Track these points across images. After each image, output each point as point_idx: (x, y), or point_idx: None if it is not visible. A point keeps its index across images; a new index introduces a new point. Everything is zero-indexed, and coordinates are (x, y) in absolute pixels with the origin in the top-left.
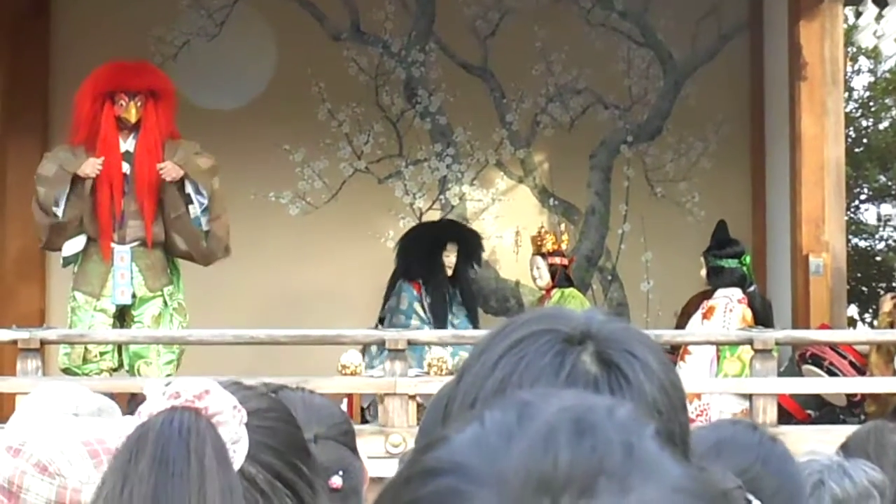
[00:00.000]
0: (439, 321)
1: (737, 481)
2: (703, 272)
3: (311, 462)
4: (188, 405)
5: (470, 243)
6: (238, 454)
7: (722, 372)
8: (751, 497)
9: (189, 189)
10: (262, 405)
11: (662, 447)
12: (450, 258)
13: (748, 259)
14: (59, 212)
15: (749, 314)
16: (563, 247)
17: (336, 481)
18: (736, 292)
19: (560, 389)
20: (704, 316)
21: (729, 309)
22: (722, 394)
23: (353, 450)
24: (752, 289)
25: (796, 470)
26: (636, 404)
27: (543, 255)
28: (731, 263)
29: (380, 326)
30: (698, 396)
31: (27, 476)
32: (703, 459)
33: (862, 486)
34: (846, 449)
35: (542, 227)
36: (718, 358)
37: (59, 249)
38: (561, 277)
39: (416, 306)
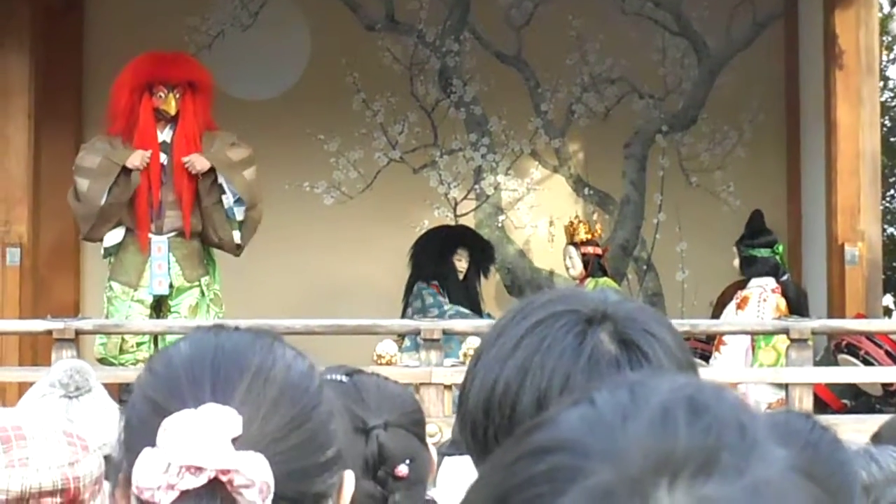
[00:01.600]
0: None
1: None
2: (736, 262)
3: (329, 473)
4: (211, 484)
5: (481, 251)
6: None
7: (757, 362)
8: None
9: (221, 180)
10: (293, 414)
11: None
12: (461, 262)
13: (781, 248)
14: (104, 202)
15: (783, 303)
16: (597, 236)
17: (402, 470)
18: (769, 281)
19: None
20: (738, 306)
21: (763, 298)
22: (757, 384)
23: (423, 440)
24: (785, 278)
25: (848, 458)
26: None
27: (576, 245)
28: (764, 253)
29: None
30: (734, 386)
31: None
32: None
33: (889, 472)
34: (878, 438)
35: (576, 216)
36: (754, 348)
37: (101, 240)
38: (594, 267)
39: (438, 300)
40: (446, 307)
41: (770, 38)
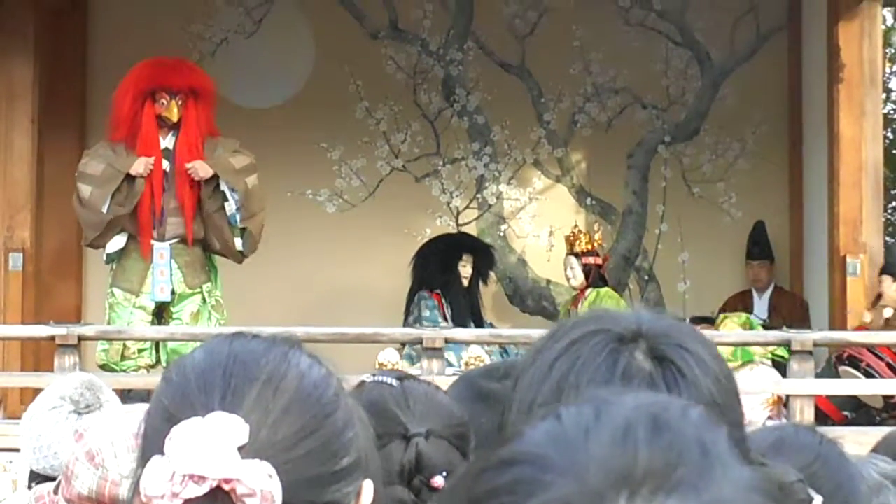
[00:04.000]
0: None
1: (798, 475)
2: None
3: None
4: (213, 493)
5: (484, 257)
6: None
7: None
8: (812, 492)
9: (224, 187)
10: (304, 422)
11: (733, 449)
12: (466, 269)
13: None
14: (106, 209)
15: None
16: (597, 247)
17: (438, 481)
18: None
19: (623, 389)
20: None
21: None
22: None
23: (465, 454)
24: None
25: (855, 471)
26: (693, 398)
27: (577, 255)
28: None
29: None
30: None
31: (78, 463)
32: (763, 456)
33: (872, 481)
34: (877, 451)
35: (576, 226)
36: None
37: (104, 247)
38: (595, 277)
39: (438, 315)
40: (443, 325)
41: (773, 50)
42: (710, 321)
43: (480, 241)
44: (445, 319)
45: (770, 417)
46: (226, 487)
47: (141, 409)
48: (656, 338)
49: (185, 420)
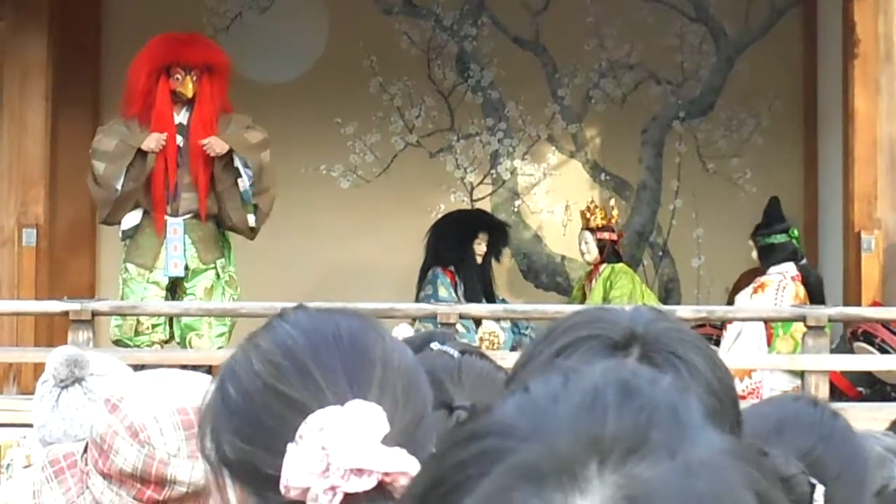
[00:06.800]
0: None
1: (800, 466)
2: (755, 254)
3: None
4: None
5: (500, 234)
6: None
7: (775, 350)
8: (814, 481)
9: (237, 163)
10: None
11: (704, 416)
12: (481, 246)
13: (796, 232)
14: (119, 185)
15: (802, 291)
16: (613, 222)
17: None
18: (790, 268)
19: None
20: (755, 290)
21: (782, 287)
22: (773, 371)
23: None
24: (803, 262)
25: (859, 447)
26: None
27: (592, 231)
28: (781, 239)
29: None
30: (749, 374)
31: (118, 438)
32: (764, 440)
33: (875, 454)
34: (893, 430)
35: (592, 201)
36: (770, 337)
37: (119, 223)
38: (609, 253)
39: (454, 295)
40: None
41: (788, 25)
42: (807, 279)
43: (496, 218)
44: (459, 299)
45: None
46: (386, 480)
47: (158, 379)
48: (650, 345)
49: (318, 408)
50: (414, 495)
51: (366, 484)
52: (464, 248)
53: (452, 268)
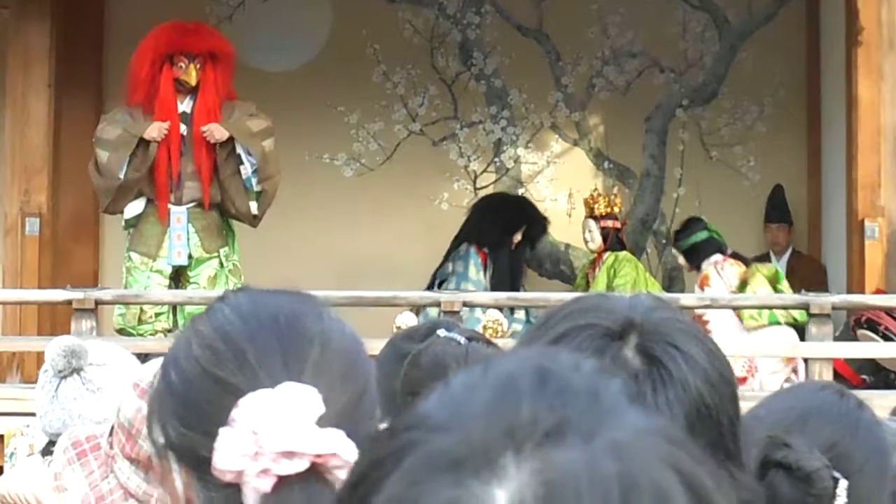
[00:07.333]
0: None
1: (823, 459)
2: (681, 260)
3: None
4: (310, 471)
5: (538, 227)
6: None
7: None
8: (838, 475)
9: (239, 150)
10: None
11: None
12: (517, 235)
13: (713, 226)
14: (122, 174)
15: (742, 266)
16: (616, 210)
17: None
18: (717, 257)
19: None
20: (701, 286)
21: (720, 268)
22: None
23: None
24: (730, 252)
25: (883, 438)
26: (680, 398)
27: (596, 218)
28: (702, 236)
29: (435, 287)
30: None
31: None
32: (787, 432)
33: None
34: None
35: (595, 189)
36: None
37: (122, 212)
38: (613, 241)
39: (481, 277)
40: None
41: (791, 13)
42: (745, 262)
43: (540, 212)
44: (486, 283)
45: (787, 379)
46: (318, 462)
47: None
48: (648, 334)
49: (250, 391)
50: (339, 497)
51: (297, 466)
52: (506, 234)
53: (486, 250)
